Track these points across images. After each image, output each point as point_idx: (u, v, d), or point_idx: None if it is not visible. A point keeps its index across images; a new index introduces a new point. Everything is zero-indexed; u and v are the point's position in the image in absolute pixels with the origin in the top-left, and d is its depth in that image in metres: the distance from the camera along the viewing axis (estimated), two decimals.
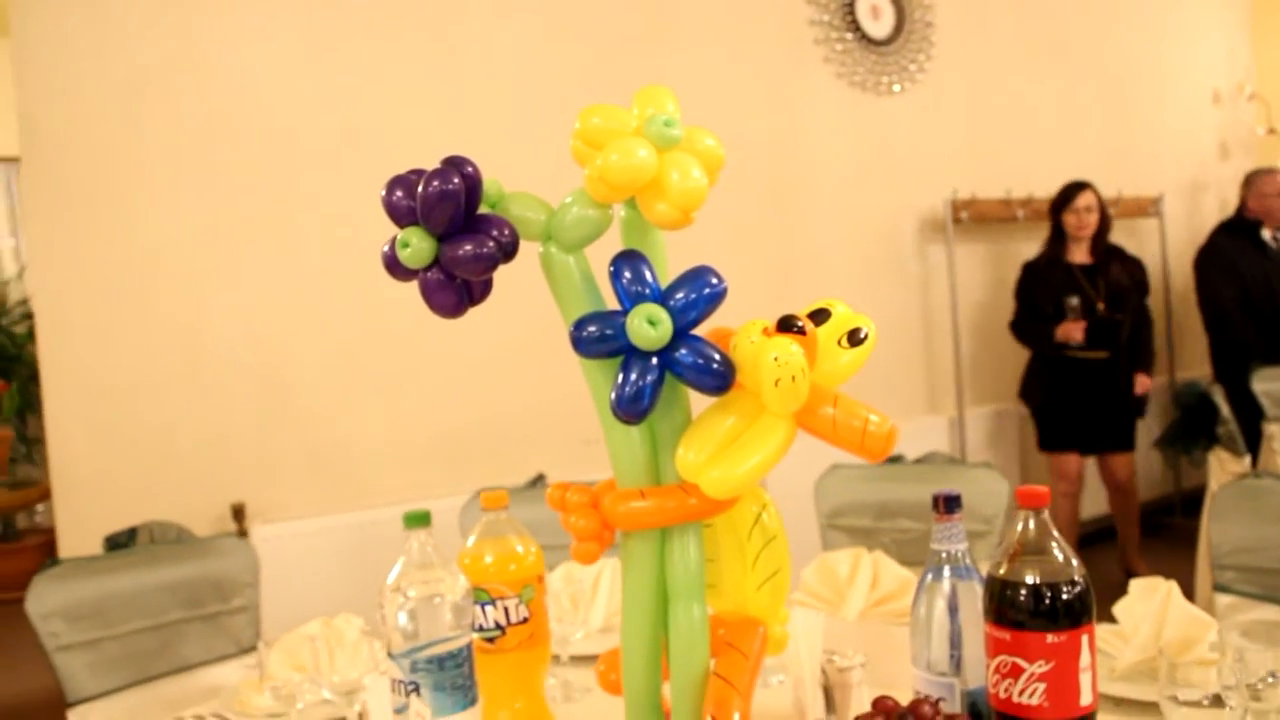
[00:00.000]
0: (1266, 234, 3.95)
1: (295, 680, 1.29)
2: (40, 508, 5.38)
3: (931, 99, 4.08)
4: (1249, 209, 4.04)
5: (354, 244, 2.91)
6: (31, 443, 5.19)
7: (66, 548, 2.66)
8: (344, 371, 2.92)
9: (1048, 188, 3.82)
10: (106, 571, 1.87)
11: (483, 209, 0.87)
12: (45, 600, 1.76)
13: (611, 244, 0.96)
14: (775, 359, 0.80)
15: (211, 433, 2.83)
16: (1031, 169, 3.82)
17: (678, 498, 0.89)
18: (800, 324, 0.83)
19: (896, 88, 3.98)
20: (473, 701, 0.99)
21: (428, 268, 0.85)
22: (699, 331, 0.87)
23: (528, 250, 0.90)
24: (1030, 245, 3.90)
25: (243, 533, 2.65)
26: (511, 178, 0.90)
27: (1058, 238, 3.71)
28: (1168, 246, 4.67)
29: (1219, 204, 4.82)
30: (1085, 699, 0.87)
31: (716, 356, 0.84)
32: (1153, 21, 4.77)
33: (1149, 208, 4.62)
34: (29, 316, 5.08)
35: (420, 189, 0.82)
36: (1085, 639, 0.87)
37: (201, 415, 2.82)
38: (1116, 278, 3.63)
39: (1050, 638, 0.86)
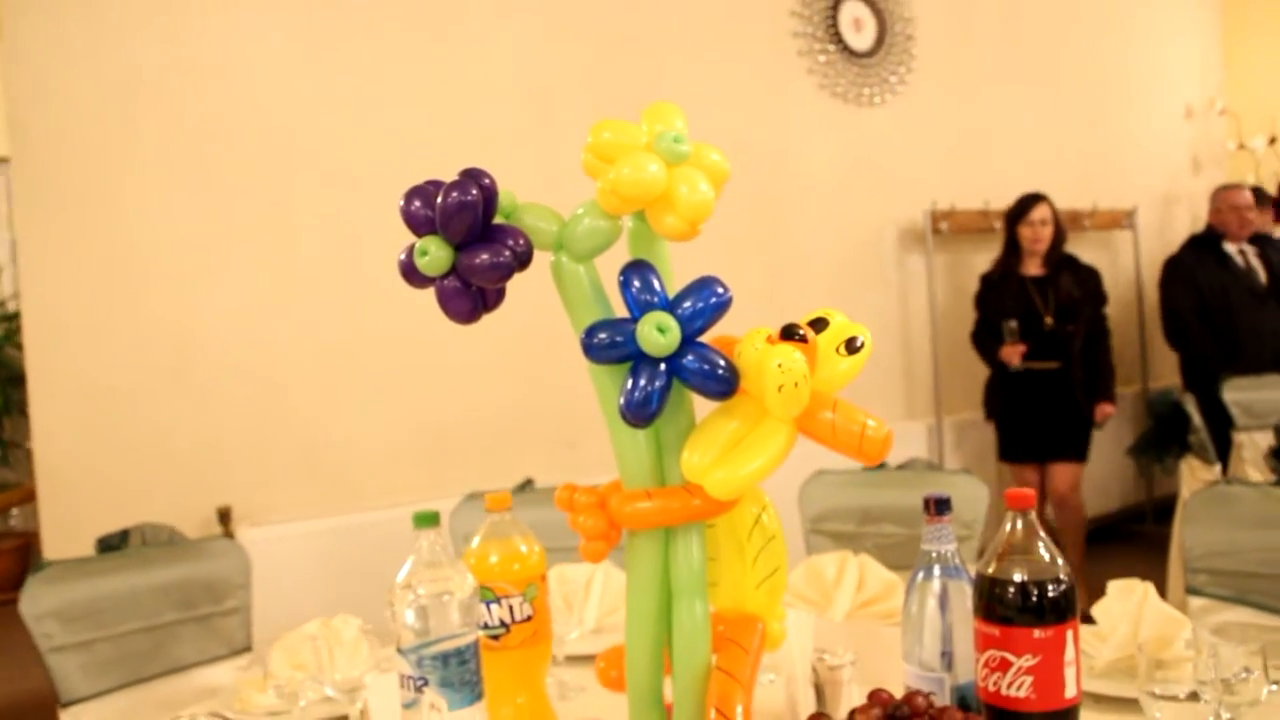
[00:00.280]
0: (1232, 248, 4.03)
1: (298, 678, 1.31)
2: (15, 511, 5.34)
3: (912, 111, 4.14)
4: (1214, 222, 4.13)
5: (345, 248, 2.94)
6: (8, 446, 5.16)
7: (51, 550, 2.65)
8: (332, 375, 2.94)
9: None
10: (99, 573, 1.88)
11: (497, 219, 0.91)
12: (39, 601, 1.77)
13: (613, 254, 1.00)
14: (779, 365, 0.84)
15: (198, 436, 2.84)
16: (1010, 181, 3.89)
17: (682, 498, 0.93)
18: (802, 332, 0.87)
19: (878, 99, 4.05)
20: (479, 697, 1.02)
21: (444, 275, 0.88)
22: (703, 339, 0.90)
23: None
24: None
25: (228, 535, 2.66)
26: (504, 180, 0.93)
27: (1012, 250, 3.73)
28: (1141, 258, 4.77)
29: (1190, 217, 4.92)
30: (1070, 691, 0.92)
31: (722, 363, 0.88)
32: (1128, 38, 4.87)
33: (1123, 220, 4.71)
34: (9, 318, 5.05)
35: (440, 199, 0.86)
36: (1070, 634, 0.92)
37: (189, 418, 2.82)
38: (1066, 289, 3.64)
39: (1037, 633, 0.91)
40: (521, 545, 1.14)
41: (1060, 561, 0.94)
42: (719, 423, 0.91)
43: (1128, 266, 4.71)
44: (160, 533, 1.98)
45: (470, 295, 0.89)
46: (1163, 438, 3.63)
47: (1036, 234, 3.63)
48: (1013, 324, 3.59)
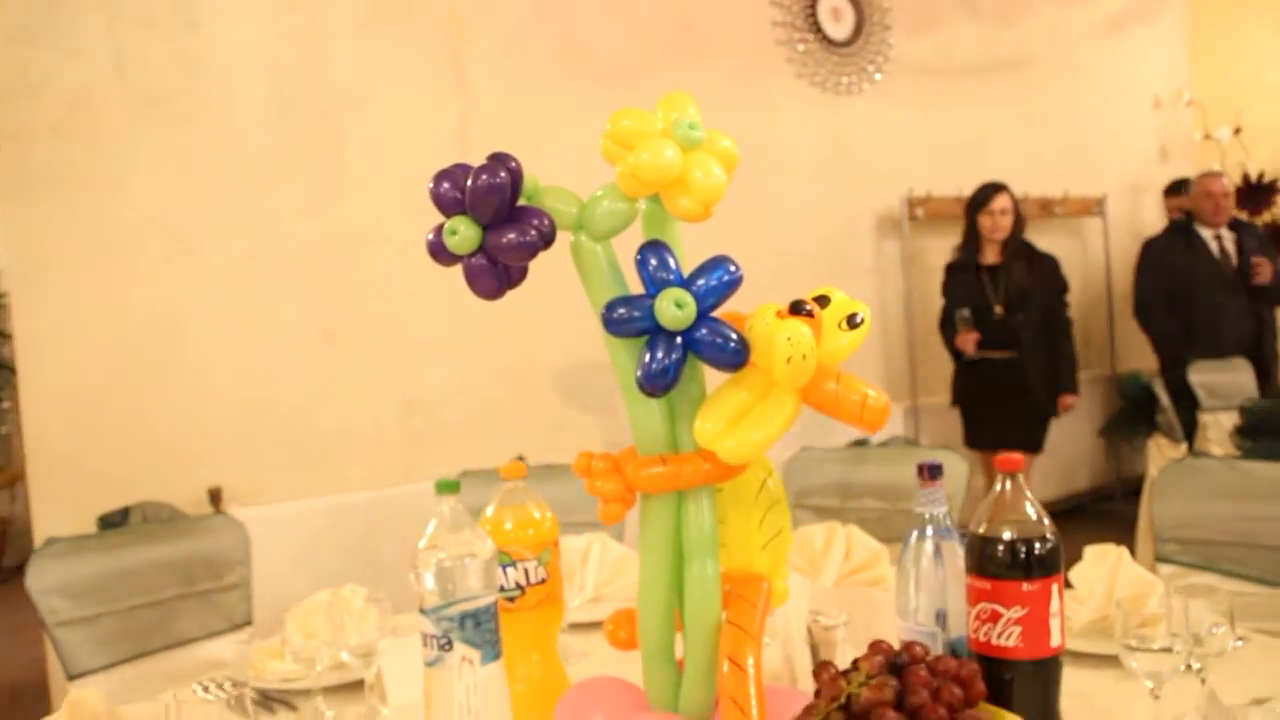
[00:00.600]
0: (1207, 233, 4.13)
1: (314, 645, 1.36)
2: None
3: (889, 99, 4.21)
4: (1191, 208, 4.22)
5: (333, 231, 2.97)
6: None
7: (42, 532, 2.67)
8: (320, 359, 2.97)
9: None
10: (103, 550, 1.91)
11: (520, 201, 0.96)
12: (44, 577, 1.80)
13: (624, 236, 1.05)
14: (788, 339, 0.90)
15: (188, 418, 2.86)
16: (984, 168, 3.97)
17: (694, 464, 0.98)
18: (809, 307, 0.92)
19: (855, 88, 4.12)
20: (497, 655, 1.07)
21: (472, 254, 0.93)
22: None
23: None
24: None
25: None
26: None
27: (972, 238, 3.77)
28: (1110, 245, 4.87)
29: (1158, 205, 5.03)
30: (1055, 640, 0.99)
31: (734, 336, 0.93)
32: (1098, 29, 4.97)
33: (1093, 207, 4.81)
34: None
35: (470, 182, 0.91)
36: (1055, 587, 0.99)
37: (178, 401, 2.85)
38: (1018, 278, 3.69)
39: (1025, 586, 0.97)
40: (535, 512, 1.20)
41: (1046, 521, 1.01)
42: (729, 393, 0.97)
43: (1098, 253, 4.82)
44: (160, 510, 2.01)
45: (496, 272, 0.95)
46: (1132, 418, 3.74)
47: (996, 223, 3.67)
48: (965, 312, 3.64)
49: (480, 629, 1.07)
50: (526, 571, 1.16)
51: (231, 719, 1.08)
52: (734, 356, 0.94)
